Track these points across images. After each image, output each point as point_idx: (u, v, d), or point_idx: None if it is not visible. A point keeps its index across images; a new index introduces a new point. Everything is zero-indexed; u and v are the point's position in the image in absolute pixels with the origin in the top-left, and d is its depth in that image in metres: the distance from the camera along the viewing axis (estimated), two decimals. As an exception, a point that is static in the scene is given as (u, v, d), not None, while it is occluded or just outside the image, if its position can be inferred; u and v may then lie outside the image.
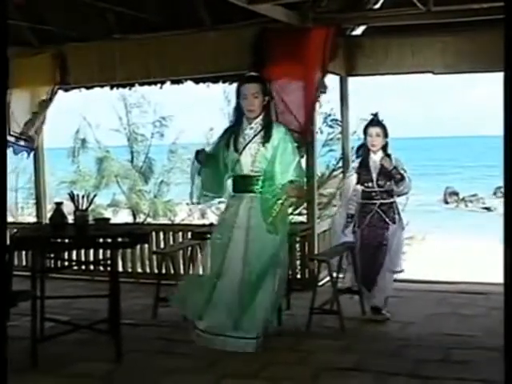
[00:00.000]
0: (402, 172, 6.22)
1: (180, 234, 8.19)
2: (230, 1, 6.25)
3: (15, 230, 8.46)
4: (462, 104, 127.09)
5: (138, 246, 8.08)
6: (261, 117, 5.41)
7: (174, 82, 8.28)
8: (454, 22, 7.16)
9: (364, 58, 7.85)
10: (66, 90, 8.67)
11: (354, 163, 6.50)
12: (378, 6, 7.77)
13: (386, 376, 4.70)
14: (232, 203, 5.48)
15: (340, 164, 10.15)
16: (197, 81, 8.17)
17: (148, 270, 8.36)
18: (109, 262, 5.67)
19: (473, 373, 4.70)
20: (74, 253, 8.11)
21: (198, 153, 5.42)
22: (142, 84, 8.60)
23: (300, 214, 10.84)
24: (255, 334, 5.25)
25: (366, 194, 6.26)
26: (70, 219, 5.46)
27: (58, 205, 5.45)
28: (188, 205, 13.21)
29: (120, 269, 6.95)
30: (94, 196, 5.70)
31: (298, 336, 5.76)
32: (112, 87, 8.69)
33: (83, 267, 8.32)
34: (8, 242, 8.25)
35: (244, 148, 5.36)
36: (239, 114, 5.46)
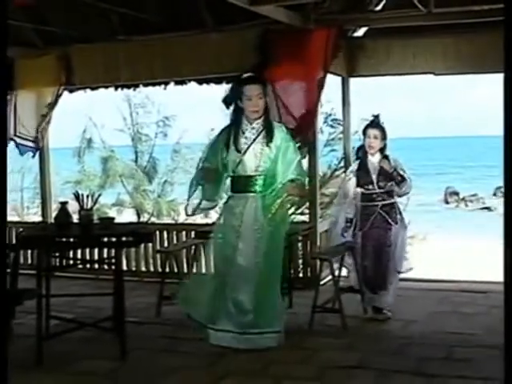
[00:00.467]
0: (402, 173, 6.20)
1: (183, 233, 8.18)
2: (232, 2, 6.24)
3: (21, 230, 8.54)
4: (463, 104, 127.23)
5: (142, 245, 8.08)
6: (262, 117, 5.40)
7: (177, 82, 8.28)
8: (455, 24, 7.15)
9: (365, 59, 7.85)
10: (71, 91, 8.67)
11: (353, 166, 6.44)
12: (379, 7, 7.75)
13: (388, 374, 4.69)
14: (235, 203, 5.38)
15: (342, 164, 10.14)
16: (200, 81, 8.16)
17: (152, 269, 8.36)
18: (113, 260, 5.68)
19: (474, 371, 4.69)
20: (79, 252, 8.11)
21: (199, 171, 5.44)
22: (146, 85, 8.59)
23: (302, 213, 10.82)
24: (276, 328, 5.30)
25: (366, 196, 6.21)
26: (75, 218, 5.45)
27: (63, 204, 5.45)
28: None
29: (124, 267, 6.93)
30: (99, 195, 5.70)
31: (300, 334, 5.75)
32: (116, 88, 8.69)
33: (88, 266, 8.32)
34: (14, 241, 8.32)
35: (247, 148, 5.32)
36: (239, 115, 5.40)
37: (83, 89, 8.73)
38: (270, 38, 7.25)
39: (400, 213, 6.28)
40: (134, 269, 8.44)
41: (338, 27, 7.15)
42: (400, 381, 4.59)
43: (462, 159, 56.02)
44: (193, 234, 7.67)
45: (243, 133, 5.35)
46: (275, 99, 7.17)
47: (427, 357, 5.04)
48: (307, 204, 7.69)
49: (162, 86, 8.48)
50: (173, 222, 13.32)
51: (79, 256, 8.09)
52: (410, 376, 4.65)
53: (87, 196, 5.40)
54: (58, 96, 8.46)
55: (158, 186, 15.47)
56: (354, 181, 6.26)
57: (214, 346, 5.26)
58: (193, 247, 7.29)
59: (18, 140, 8.65)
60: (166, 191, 15.34)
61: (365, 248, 6.18)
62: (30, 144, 8.67)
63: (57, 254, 6.14)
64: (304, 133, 7.27)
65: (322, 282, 6.67)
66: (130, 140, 15.83)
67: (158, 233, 8.17)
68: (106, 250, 8.06)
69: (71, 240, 5.58)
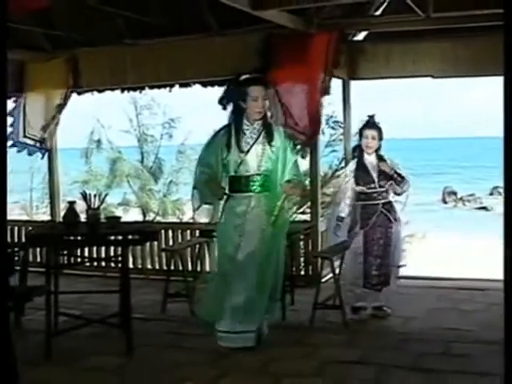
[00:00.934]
0: (400, 172, 6.20)
1: (188, 231, 8.18)
2: (236, 7, 6.25)
3: (30, 228, 8.57)
4: (461, 106, 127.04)
5: (148, 244, 8.10)
6: (263, 118, 5.38)
7: (182, 85, 8.28)
8: (453, 28, 7.16)
9: (366, 63, 7.85)
10: (79, 93, 8.69)
11: (350, 165, 6.36)
12: (379, 12, 7.75)
13: (388, 369, 4.69)
14: (237, 203, 5.29)
15: (342, 164, 10.14)
16: (204, 84, 8.16)
17: (157, 267, 8.36)
18: (120, 258, 5.68)
19: (472, 366, 4.69)
20: (87, 250, 8.13)
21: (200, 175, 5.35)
22: (151, 87, 8.61)
23: (303, 212, 10.83)
24: (252, 328, 5.25)
25: (368, 195, 6.17)
26: (83, 217, 5.46)
27: (71, 204, 5.46)
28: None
29: (130, 265, 6.94)
30: (106, 195, 5.71)
31: (302, 330, 5.75)
32: (123, 90, 8.70)
33: (95, 264, 8.33)
34: (23, 240, 8.33)
35: (250, 148, 5.27)
36: (239, 115, 5.31)
37: (91, 91, 8.74)
38: (273, 42, 7.27)
39: (396, 210, 6.28)
40: (139, 267, 8.45)
41: (339, 31, 7.16)
42: (399, 376, 4.59)
43: (460, 160, 55.98)
44: (197, 232, 7.67)
45: (244, 133, 5.29)
46: (279, 102, 7.19)
47: (426, 352, 5.03)
48: (309, 203, 7.69)
49: (168, 89, 8.48)
50: (178, 221, 13.31)
51: (87, 254, 8.11)
52: (409, 371, 4.65)
53: (94, 196, 5.41)
54: (67, 98, 8.48)
55: (164, 185, 15.47)
56: (352, 180, 6.22)
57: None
58: (197, 246, 7.29)
59: (28, 141, 8.67)
60: (172, 191, 15.33)
61: (368, 246, 6.14)
62: (39, 145, 8.68)
63: (65, 252, 6.15)
64: (309, 134, 7.28)
65: (323, 280, 6.66)
66: (136, 141, 15.83)
67: (163, 231, 8.18)
68: (112, 249, 8.05)
69: (79, 238, 5.59)
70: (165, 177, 15.64)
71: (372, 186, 6.17)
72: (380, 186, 6.17)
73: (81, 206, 5.53)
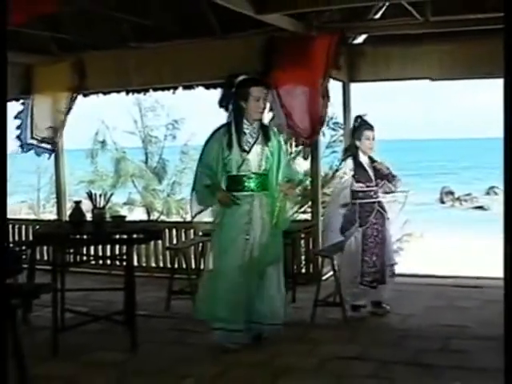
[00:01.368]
0: (392, 171, 6.21)
1: (191, 230, 8.17)
2: (239, 11, 6.25)
3: (37, 227, 8.57)
4: (459, 108, 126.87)
5: (152, 242, 8.09)
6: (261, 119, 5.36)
7: (185, 87, 8.29)
8: (451, 32, 7.17)
9: (365, 65, 7.86)
10: (85, 95, 8.69)
11: (348, 165, 6.22)
12: (378, 16, 7.75)
13: (387, 365, 4.69)
14: (240, 202, 5.18)
15: (342, 165, 10.12)
16: (207, 86, 8.16)
17: (161, 265, 8.37)
18: (124, 257, 5.68)
19: (469, 361, 4.69)
20: (92, 248, 8.12)
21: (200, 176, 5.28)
22: (155, 89, 8.61)
23: (304, 211, 10.83)
24: (279, 321, 5.30)
25: (366, 193, 6.15)
26: (89, 217, 5.47)
27: (77, 203, 5.47)
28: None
29: (135, 263, 6.94)
30: (111, 195, 5.72)
31: (303, 327, 5.75)
32: (128, 92, 8.70)
33: (100, 262, 8.32)
34: (31, 238, 8.34)
35: (251, 148, 5.22)
36: (240, 115, 5.24)
37: (96, 93, 8.75)
38: (275, 45, 7.28)
39: (386, 210, 6.28)
40: (144, 265, 8.45)
41: (339, 34, 7.16)
42: (398, 371, 4.58)
43: (458, 160, 55.95)
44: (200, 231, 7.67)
45: (244, 133, 5.23)
46: (281, 103, 7.20)
47: (424, 348, 5.04)
48: (310, 203, 7.68)
49: (171, 91, 8.49)
50: (181, 220, 13.29)
51: (92, 252, 8.10)
52: (408, 367, 4.65)
53: (100, 195, 5.42)
54: (73, 100, 8.48)
55: (168, 185, 15.44)
56: (351, 179, 6.19)
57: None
58: (200, 244, 7.29)
59: (35, 142, 8.68)
60: (175, 191, 15.30)
61: (366, 244, 6.13)
62: (46, 146, 8.69)
63: (71, 251, 6.15)
64: (309, 135, 7.28)
65: (323, 278, 6.66)
66: (140, 142, 15.82)
67: (167, 230, 8.17)
68: (117, 247, 8.05)
69: (85, 237, 5.59)
70: (168, 177, 15.62)
71: (370, 184, 6.16)
72: (376, 185, 6.17)
73: (87, 206, 5.54)
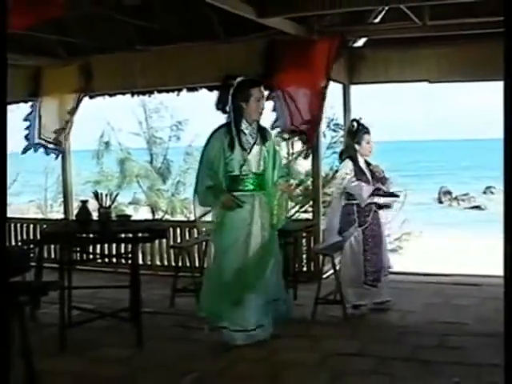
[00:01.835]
0: (384, 174, 6.25)
1: (195, 229, 8.17)
2: (241, 15, 6.26)
3: (45, 226, 8.58)
4: (457, 110, 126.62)
5: (157, 241, 8.09)
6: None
7: (189, 89, 8.28)
8: (448, 36, 7.17)
9: (365, 68, 7.86)
10: (91, 97, 8.69)
11: (348, 166, 6.19)
12: (378, 20, 7.74)
13: (386, 361, 4.69)
14: (243, 202, 5.15)
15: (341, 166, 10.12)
16: (211, 88, 8.14)
17: (166, 263, 8.37)
18: (130, 255, 5.69)
19: (466, 357, 4.70)
20: (98, 247, 8.12)
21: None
22: (160, 91, 8.60)
23: (306, 211, 10.84)
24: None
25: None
26: (95, 216, 5.48)
27: (84, 203, 5.48)
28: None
29: (140, 262, 6.95)
30: (117, 195, 5.72)
31: (304, 324, 5.76)
32: (133, 94, 8.69)
33: (106, 260, 8.33)
34: (38, 237, 8.35)
35: (252, 148, 5.21)
36: (240, 115, 5.20)
37: (102, 95, 8.75)
38: (277, 48, 7.28)
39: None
40: (149, 263, 8.45)
41: (339, 38, 7.17)
42: (397, 367, 4.59)
43: (456, 161, 55.90)
44: (204, 229, 7.67)
45: (244, 133, 5.21)
46: (285, 102, 7.21)
47: (423, 345, 5.04)
48: (311, 202, 7.68)
49: (175, 93, 8.48)
50: (185, 219, 13.30)
51: (98, 251, 8.10)
52: (407, 363, 4.65)
53: (106, 195, 5.43)
54: (79, 102, 8.49)
55: (172, 185, 15.45)
56: (353, 179, 6.17)
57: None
58: (204, 243, 7.29)
59: (42, 143, 8.69)
60: (179, 190, 15.31)
61: (366, 244, 6.13)
62: (53, 146, 8.70)
63: (78, 249, 6.15)
64: (309, 136, 7.29)
65: (324, 276, 6.66)
66: (145, 143, 15.83)
67: (171, 229, 8.18)
68: (123, 246, 8.08)
69: (91, 236, 5.60)
70: (173, 177, 15.63)
71: (368, 185, 6.16)
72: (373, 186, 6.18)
73: (93, 205, 5.55)
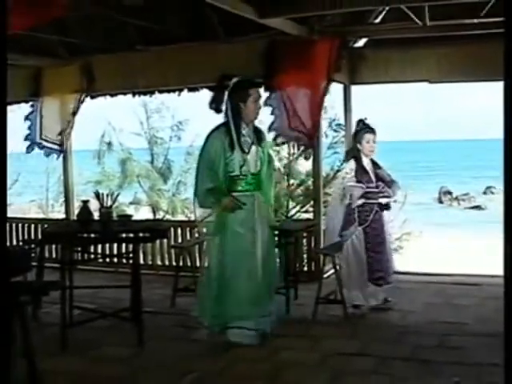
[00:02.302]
0: (393, 178, 6.25)
1: (196, 229, 8.17)
2: (242, 15, 6.26)
3: (46, 226, 8.57)
4: (457, 110, 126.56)
5: (158, 241, 8.10)
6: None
7: (190, 89, 8.27)
8: (448, 36, 7.17)
9: (366, 68, 7.86)
10: (92, 98, 8.69)
11: (350, 165, 6.24)
12: (378, 20, 7.74)
13: (387, 360, 4.70)
14: (244, 202, 5.16)
15: (343, 165, 10.12)
16: (211, 88, 8.14)
17: (167, 263, 8.38)
18: (131, 255, 5.69)
19: (466, 357, 4.69)
20: (99, 247, 8.13)
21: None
22: (161, 91, 8.60)
23: (307, 211, 10.83)
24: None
25: (367, 193, 6.15)
26: (96, 216, 5.48)
27: (85, 202, 5.48)
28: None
29: (141, 261, 6.94)
30: (118, 195, 5.73)
31: (305, 324, 5.76)
32: (134, 94, 8.69)
33: (107, 260, 8.34)
34: (40, 237, 8.34)
35: (250, 148, 5.21)
36: (239, 116, 5.18)
37: (103, 95, 8.75)
38: (277, 48, 7.28)
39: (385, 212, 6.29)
40: (150, 263, 8.46)
41: (340, 38, 7.17)
42: (397, 367, 4.58)
43: (456, 161, 55.88)
44: (205, 229, 7.67)
45: (243, 134, 5.20)
46: (284, 104, 7.20)
47: (423, 345, 5.03)
48: (312, 202, 7.68)
49: (176, 93, 8.49)
50: (186, 219, 13.30)
51: (99, 251, 8.11)
52: (407, 362, 4.65)
53: (107, 195, 5.43)
54: (80, 102, 8.50)
55: (173, 185, 15.44)
56: (353, 179, 6.18)
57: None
58: (205, 243, 7.29)
59: (44, 143, 8.70)
60: (180, 190, 15.30)
61: (369, 243, 6.11)
62: (55, 146, 8.70)
63: (79, 249, 6.15)
64: (309, 136, 7.28)
65: (325, 276, 6.66)
66: (146, 143, 15.82)
67: (172, 229, 8.18)
68: (124, 245, 8.09)
69: (92, 236, 5.60)
70: (174, 177, 15.62)
71: (371, 185, 6.16)
72: (377, 187, 6.17)
73: (94, 205, 5.55)
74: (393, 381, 4.34)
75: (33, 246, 7.03)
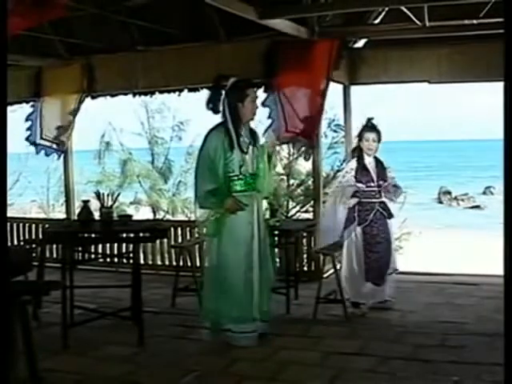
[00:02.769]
0: (396, 183, 6.24)
1: (196, 229, 8.17)
2: (243, 16, 6.26)
3: (47, 226, 8.57)
4: (457, 110, 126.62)
5: (158, 241, 8.10)
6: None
7: (191, 89, 8.27)
8: (448, 36, 7.18)
9: (365, 68, 7.87)
10: (93, 98, 8.70)
11: (351, 164, 6.26)
12: (378, 20, 7.75)
13: (387, 360, 4.68)
14: (245, 202, 5.12)
15: (344, 165, 10.12)
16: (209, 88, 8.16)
17: (167, 263, 8.37)
18: (131, 254, 5.68)
19: (466, 356, 4.68)
20: (100, 246, 8.13)
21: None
22: (162, 92, 8.61)
23: (307, 211, 10.81)
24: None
25: (366, 193, 6.14)
26: (96, 216, 5.48)
27: (86, 202, 5.47)
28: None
29: (141, 261, 6.95)
30: (118, 194, 5.73)
31: (305, 323, 5.75)
32: (134, 95, 8.69)
33: (108, 260, 8.34)
34: (41, 237, 8.35)
35: (248, 149, 5.18)
36: (237, 116, 5.14)
37: (104, 95, 8.75)
38: (278, 49, 7.29)
39: (388, 211, 6.27)
40: (150, 262, 8.46)
41: (339, 38, 7.17)
42: (397, 366, 4.58)
43: (456, 161, 55.89)
44: (205, 230, 7.67)
45: (241, 134, 5.17)
46: (281, 105, 7.21)
47: (423, 344, 5.03)
48: (312, 202, 7.68)
49: (177, 93, 8.49)
50: (186, 219, 13.30)
51: (100, 250, 8.11)
52: (407, 362, 4.64)
53: (107, 195, 5.43)
54: (81, 102, 8.50)
55: (173, 185, 15.43)
56: (353, 178, 6.17)
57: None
58: (205, 243, 7.29)
59: (44, 143, 8.70)
60: (180, 190, 15.29)
61: (368, 242, 6.11)
62: (55, 146, 8.71)
63: (80, 249, 6.15)
64: (309, 136, 7.29)
65: (324, 275, 6.66)
66: (146, 143, 15.81)
67: (172, 229, 8.17)
68: (124, 245, 8.09)
69: (93, 235, 5.60)
70: (174, 177, 15.61)
71: (371, 184, 6.15)
72: (378, 186, 6.16)
73: (95, 205, 5.55)
74: (393, 380, 4.34)
75: (34, 245, 7.03)
